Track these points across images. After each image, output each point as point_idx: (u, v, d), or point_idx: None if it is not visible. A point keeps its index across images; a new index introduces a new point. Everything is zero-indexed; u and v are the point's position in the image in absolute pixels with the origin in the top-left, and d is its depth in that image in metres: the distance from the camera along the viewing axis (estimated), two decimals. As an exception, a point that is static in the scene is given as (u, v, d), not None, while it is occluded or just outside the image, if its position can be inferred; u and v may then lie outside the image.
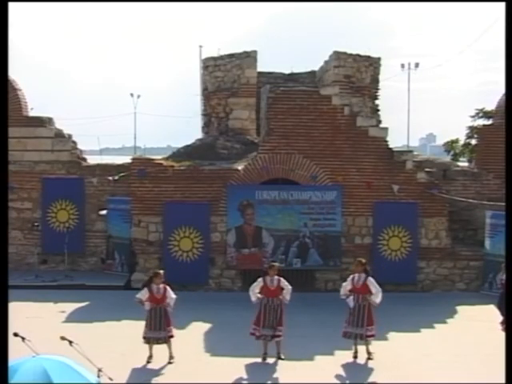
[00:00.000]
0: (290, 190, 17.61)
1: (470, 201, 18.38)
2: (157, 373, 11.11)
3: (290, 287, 12.03)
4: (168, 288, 11.88)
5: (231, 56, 22.14)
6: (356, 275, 12.21)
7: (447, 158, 28.69)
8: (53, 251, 19.42)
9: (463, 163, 27.11)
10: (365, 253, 17.58)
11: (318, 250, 17.62)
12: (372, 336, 12.04)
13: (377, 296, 12.02)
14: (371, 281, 12.13)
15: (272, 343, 11.81)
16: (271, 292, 11.87)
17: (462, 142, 33.81)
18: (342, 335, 12.11)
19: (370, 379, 10.92)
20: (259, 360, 11.63)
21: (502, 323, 12.33)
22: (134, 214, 17.80)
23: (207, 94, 23.19)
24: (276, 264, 12.47)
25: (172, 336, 11.77)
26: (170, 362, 11.55)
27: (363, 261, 12.50)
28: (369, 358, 11.85)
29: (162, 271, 12.19)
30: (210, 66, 22.82)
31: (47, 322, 13.73)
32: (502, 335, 10.86)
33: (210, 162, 18.55)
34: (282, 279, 12.05)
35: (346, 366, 11.50)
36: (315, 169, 17.63)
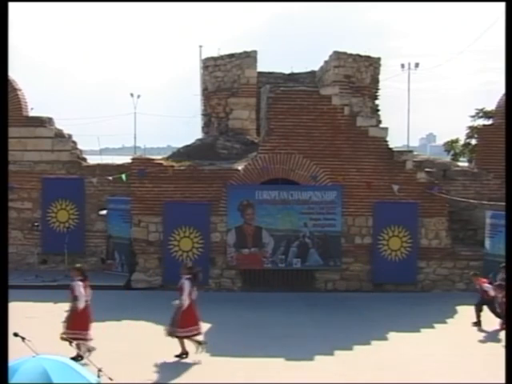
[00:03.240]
0: (290, 190, 17.60)
1: (470, 201, 18.37)
2: (157, 373, 11.11)
3: None
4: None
5: (231, 56, 22.13)
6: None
7: (447, 158, 28.69)
8: (53, 251, 19.40)
9: (463, 163, 27.13)
10: (365, 253, 17.62)
11: (317, 250, 17.59)
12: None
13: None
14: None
15: None
16: None
17: (462, 142, 33.84)
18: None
19: (370, 379, 10.91)
20: (259, 360, 11.63)
21: (501, 323, 12.35)
22: (134, 213, 17.81)
23: (207, 94, 23.19)
24: None
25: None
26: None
27: (189, 264, 12.49)
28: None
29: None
30: (210, 65, 22.82)
31: (47, 322, 13.71)
32: (502, 335, 10.87)
33: (210, 162, 18.55)
34: None
35: (346, 366, 11.49)
36: (315, 169, 17.62)
